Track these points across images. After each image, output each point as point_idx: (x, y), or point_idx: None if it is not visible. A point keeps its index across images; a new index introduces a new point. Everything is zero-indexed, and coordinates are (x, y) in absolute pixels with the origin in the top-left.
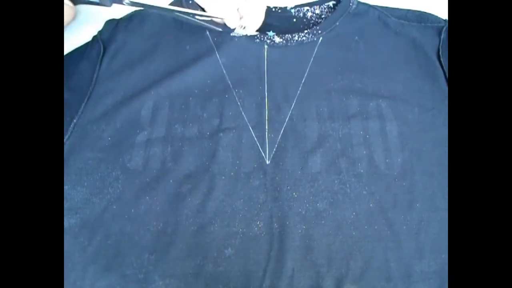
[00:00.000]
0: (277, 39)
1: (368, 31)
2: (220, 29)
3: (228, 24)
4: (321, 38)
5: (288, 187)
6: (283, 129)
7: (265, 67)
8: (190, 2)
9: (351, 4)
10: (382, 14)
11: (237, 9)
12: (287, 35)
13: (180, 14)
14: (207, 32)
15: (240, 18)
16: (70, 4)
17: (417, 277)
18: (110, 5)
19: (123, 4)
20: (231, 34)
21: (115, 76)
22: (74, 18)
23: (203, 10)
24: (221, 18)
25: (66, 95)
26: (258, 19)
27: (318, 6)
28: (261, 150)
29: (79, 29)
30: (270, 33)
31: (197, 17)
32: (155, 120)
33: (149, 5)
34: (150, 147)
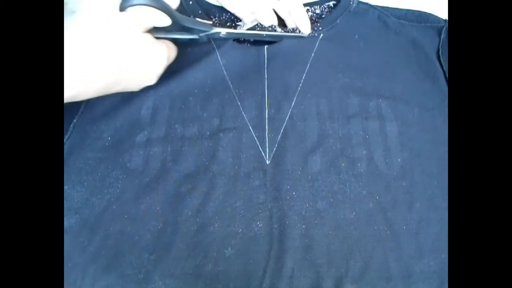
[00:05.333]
0: (279, 29)
1: (368, 30)
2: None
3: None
4: (321, 35)
5: (288, 187)
6: (283, 128)
7: (265, 60)
8: (190, 2)
9: (351, 3)
10: (382, 14)
11: (273, 10)
12: (288, 27)
13: (268, 33)
14: None
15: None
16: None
17: (417, 277)
18: (206, 41)
19: (220, 37)
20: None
21: None
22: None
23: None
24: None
25: None
26: (303, 16)
27: (318, 6)
28: (261, 150)
29: None
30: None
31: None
32: (155, 120)
33: (244, 33)
34: (150, 147)
